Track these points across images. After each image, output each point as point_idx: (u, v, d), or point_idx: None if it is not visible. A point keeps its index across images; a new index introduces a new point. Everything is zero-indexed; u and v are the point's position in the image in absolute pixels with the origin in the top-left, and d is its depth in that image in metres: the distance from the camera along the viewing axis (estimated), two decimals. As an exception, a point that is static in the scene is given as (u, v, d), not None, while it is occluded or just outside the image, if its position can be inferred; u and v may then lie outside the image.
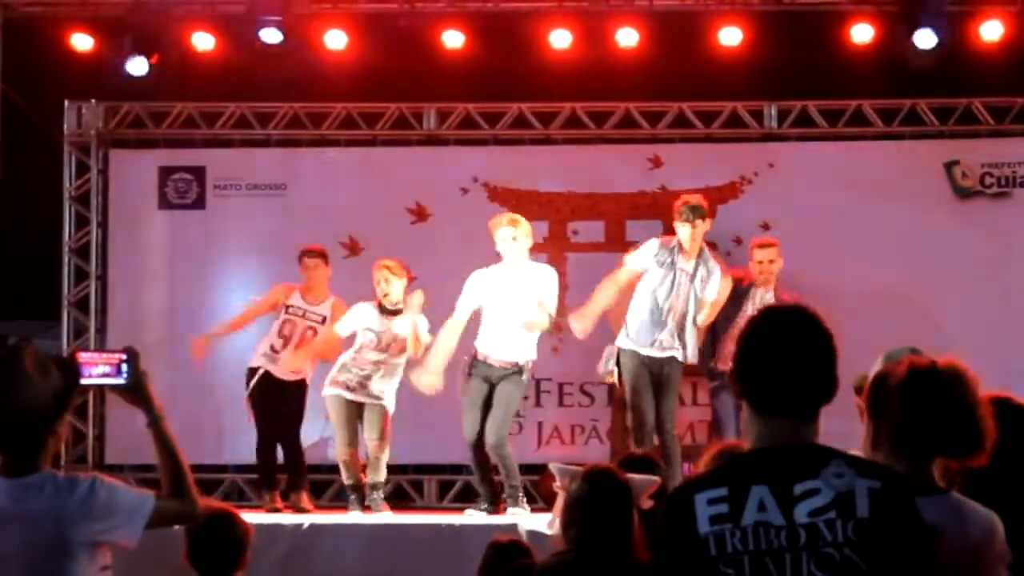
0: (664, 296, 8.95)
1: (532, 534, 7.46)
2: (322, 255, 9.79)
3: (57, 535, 3.54)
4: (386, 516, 9.13)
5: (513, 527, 7.90)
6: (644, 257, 9.03)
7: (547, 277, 9.04)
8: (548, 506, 7.52)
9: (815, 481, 2.84)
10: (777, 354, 2.95)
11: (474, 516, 8.82)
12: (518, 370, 8.90)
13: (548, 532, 6.37)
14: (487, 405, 8.87)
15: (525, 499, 8.96)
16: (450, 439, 10.69)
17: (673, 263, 8.97)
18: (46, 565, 3.55)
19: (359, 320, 9.30)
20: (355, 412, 9.28)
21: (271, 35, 11.08)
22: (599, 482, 4.41)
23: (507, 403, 8.89)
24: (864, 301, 10.39)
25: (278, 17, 10.94)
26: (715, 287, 9.07)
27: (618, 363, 9.03)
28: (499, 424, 8.86)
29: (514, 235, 8.96)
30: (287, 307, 9.71)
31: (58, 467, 4.19)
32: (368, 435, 9.28)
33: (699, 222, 8.98)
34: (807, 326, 2.98)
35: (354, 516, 9.10)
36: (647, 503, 4.42)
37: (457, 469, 11.12)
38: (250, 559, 4.90)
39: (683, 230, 8.97)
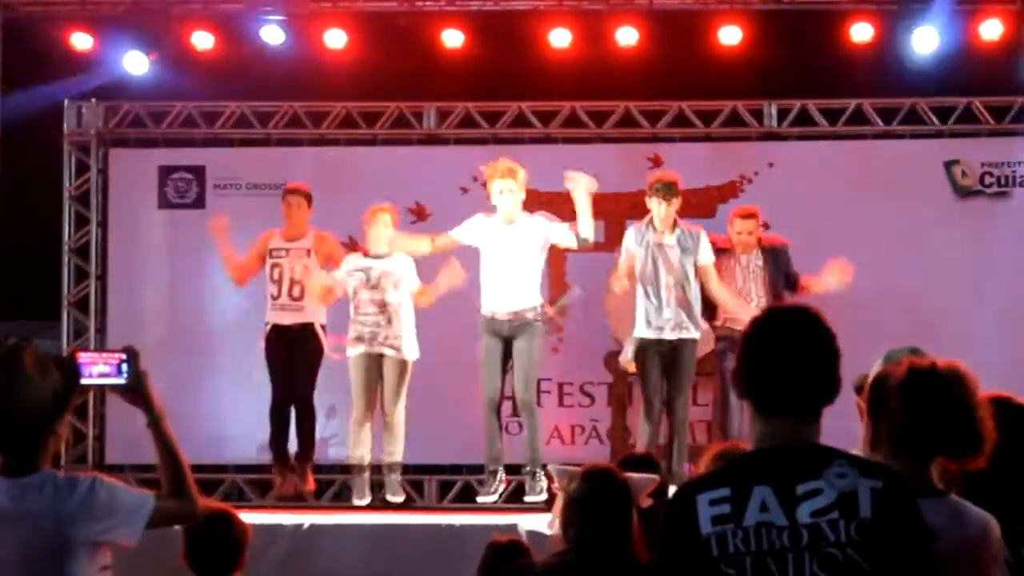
0: (657, 275, 8.94)
1: (532, 534, 7.45)
2: (307, 196, 9.71)
3: (57, 535, 3.54)
4: (386, 516, 9.11)
5: (513, 527, 7.89)
6: (630, 244, 9.02)
7: (547, 223, 8.94)
8: (548, 506, 7.52)
9: (817, 481, 2.84)
10: (779, 354, 2.96)
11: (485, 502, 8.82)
12: (529, 319, 8.78)
13: (548, 532, 6.37)
14: (505, 362, 8.80)
15: (543, 481, 8.76)
16: (450, 439, 10.72)
17: (652, 242, 8.98)
18: (46, 565, 3.54)
19: (346, 267, 9.26)
20: (374, 370, 9.13)
21: (271, 34, 11.10)
22: (598, 482, 4.40)
23: (528, 355, 8.75)
24: (864, 301, 10.35)
25: (278, 16, 10.95)
26: (707, 249, 9.09)
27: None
28: (525, 378, 8.76)
29: (512, 187, 8.85)
30: (271, 251, 9.66)
31: (58, 467, 4.18)
32: (386, 389, 9.14)
33: (674, 200, 9.00)
34: (809, 326, 2.99)
35: (354, 516, 9.07)
36: (646, 502, 4.42)
37: (457, 469, 11.11)
38: (250, 559, 4.90)
39: (659, 207, 8.97)
